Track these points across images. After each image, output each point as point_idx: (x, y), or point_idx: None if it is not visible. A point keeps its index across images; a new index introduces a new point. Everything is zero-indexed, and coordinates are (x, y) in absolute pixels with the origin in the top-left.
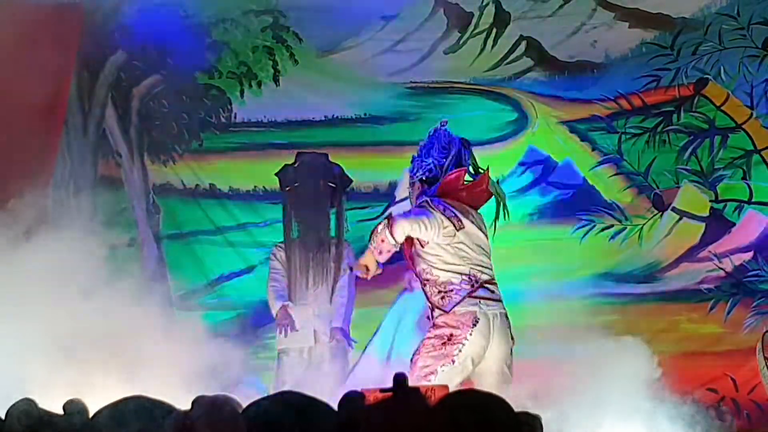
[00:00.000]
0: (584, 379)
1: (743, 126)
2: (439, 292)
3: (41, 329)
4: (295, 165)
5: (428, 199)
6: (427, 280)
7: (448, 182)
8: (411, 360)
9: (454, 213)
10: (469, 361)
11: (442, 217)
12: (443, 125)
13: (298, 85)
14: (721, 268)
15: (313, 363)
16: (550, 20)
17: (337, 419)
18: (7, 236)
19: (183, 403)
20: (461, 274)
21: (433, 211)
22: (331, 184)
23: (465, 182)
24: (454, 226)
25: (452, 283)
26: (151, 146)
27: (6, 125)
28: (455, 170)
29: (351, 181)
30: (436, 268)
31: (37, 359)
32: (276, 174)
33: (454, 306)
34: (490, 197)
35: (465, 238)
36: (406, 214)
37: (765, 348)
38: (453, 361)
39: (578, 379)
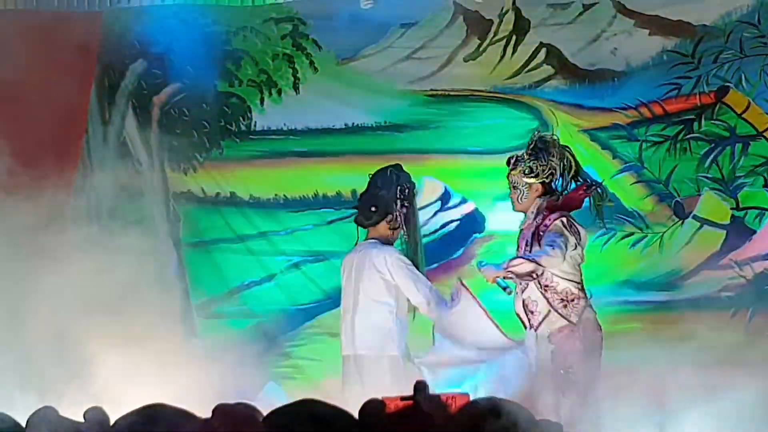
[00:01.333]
0: (604, 388)
1: (764, 134)
2: (561, 300)
3: (58, 338)
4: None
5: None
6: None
7: (574, 198)
8: None
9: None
10: None
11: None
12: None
13: (318, 93)
14: (743, 276)
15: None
16: (570, 27)
17: (357, 427)
18: (28, 244)
19: (203, 411)
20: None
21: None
22: None
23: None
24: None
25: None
26: (172, 154)
27: (28, 135)
28: (582, 189)
29: None
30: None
31: (56, 368)
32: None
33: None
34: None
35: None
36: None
37: None
38: None
39: (598, 387)
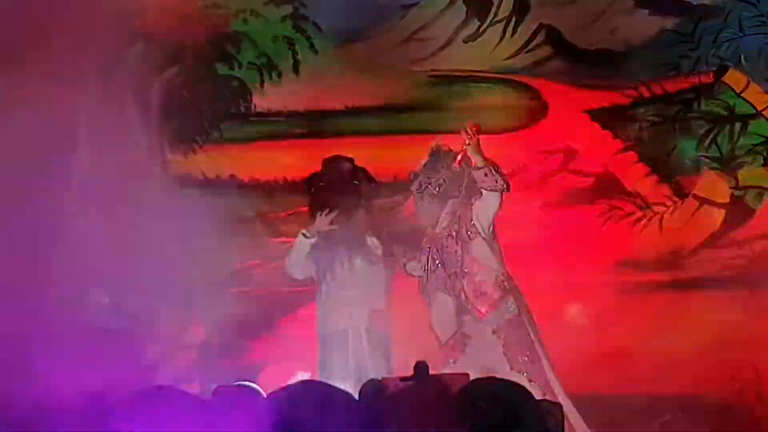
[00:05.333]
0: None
1: (763, 112)
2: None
3: (59, 321)
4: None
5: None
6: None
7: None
8: None
9: None
10: None
11: None
12: None
13: (318, 75)
14: (743, 256)
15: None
16: (569, 8)
17: (358, 408)
18: (30, 231)
19: (204, 393)
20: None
21: None
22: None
23: None
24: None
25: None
26: (172, 137)
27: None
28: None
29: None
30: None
31: (50, 348)
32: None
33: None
34: None
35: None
36: None
37: None
38: None
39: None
